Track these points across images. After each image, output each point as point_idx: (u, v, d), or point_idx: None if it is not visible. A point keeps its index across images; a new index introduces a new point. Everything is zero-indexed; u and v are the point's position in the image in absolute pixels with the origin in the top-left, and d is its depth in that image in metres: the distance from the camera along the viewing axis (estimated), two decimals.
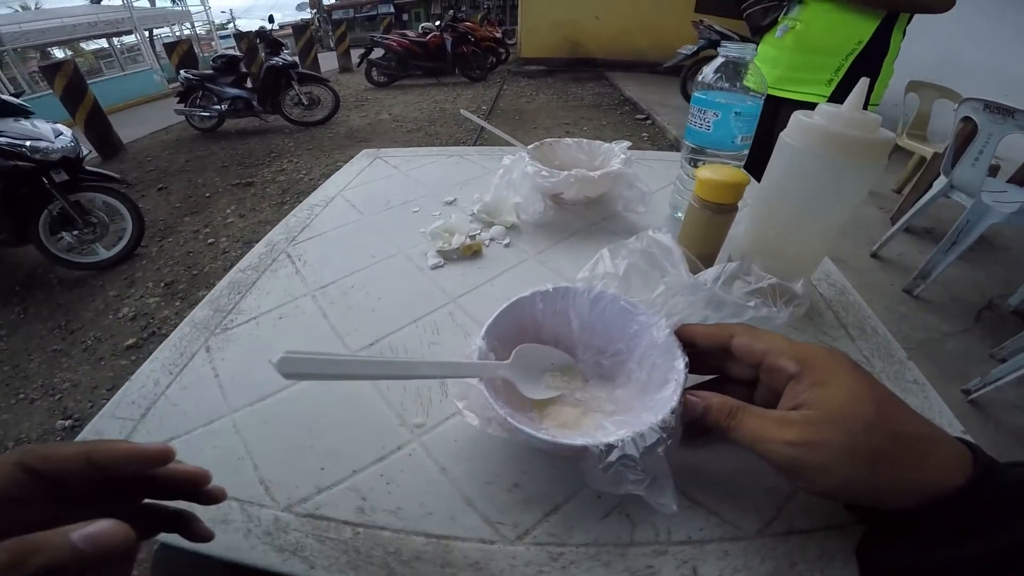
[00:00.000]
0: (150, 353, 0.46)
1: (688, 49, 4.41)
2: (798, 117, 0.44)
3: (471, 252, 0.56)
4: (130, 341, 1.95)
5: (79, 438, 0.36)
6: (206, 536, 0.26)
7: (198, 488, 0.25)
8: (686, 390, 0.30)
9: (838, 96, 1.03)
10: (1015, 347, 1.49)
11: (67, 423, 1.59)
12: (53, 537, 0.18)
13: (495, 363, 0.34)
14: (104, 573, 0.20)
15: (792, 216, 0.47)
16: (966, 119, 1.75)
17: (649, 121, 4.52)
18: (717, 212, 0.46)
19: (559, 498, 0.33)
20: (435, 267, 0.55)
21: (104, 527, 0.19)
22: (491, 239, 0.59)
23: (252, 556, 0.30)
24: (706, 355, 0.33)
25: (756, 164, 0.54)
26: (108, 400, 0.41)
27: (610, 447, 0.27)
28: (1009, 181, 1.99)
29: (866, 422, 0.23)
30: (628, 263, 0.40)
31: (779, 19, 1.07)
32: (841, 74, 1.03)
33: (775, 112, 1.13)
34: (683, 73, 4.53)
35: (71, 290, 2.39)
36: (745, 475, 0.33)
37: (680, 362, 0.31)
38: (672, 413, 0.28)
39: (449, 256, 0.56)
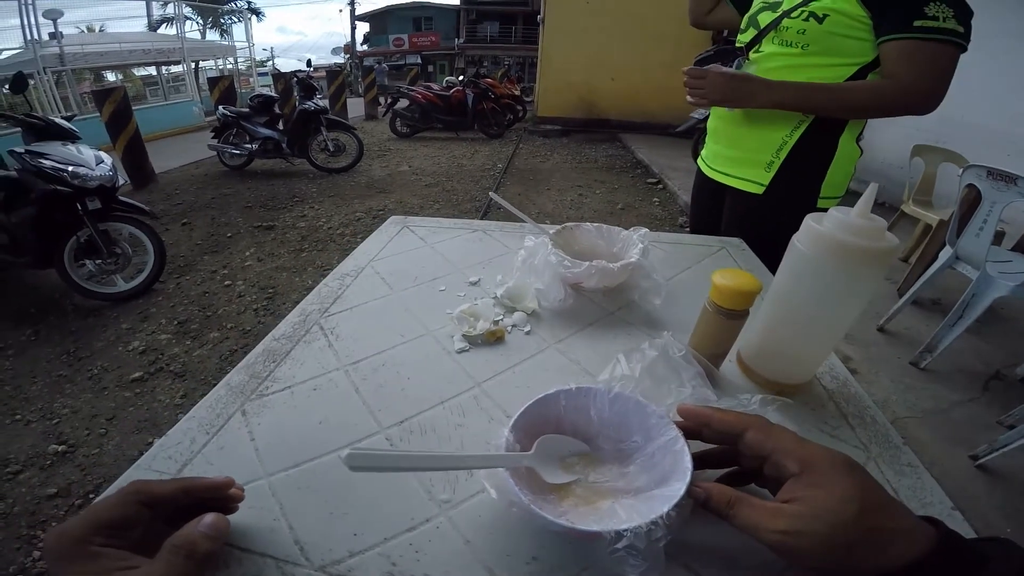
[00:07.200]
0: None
1: (700, 114, 4.59)
2: (808, 223, 0.46)
3: (495, 338, 0.59)
4: (136, 374, 1.93)
5: (113, 487, 0.38)
6: (236, 505, 0.37)
7: (225, 491, 0.36)
8: (692, 482, 0.34)
9: (776, 186, 1.00)
10: (1023, 414, 1.48)
11: (60, 448, 1.56)
12: (192, 532, 0.31)
13: (520, 455, 0.38)
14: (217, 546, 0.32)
15: (801, 319, 0.49)
16: (970, 186, 1.73)
17: (660, 185, 4.66)
18: (729, 317, 0.49)
19: (573, 570, 0.35)
20: (461, 351, 0.58)
21: (213, 517, 0.32)
22: (513, 325, 0.62)
23: None
24: (720, 434, 0.36)
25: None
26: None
27: (619, 534, 0.30)
28: (1013, 249, 1.97)
29: (845, 521, 0.28)
30: (642, 367, 0.44)
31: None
32: (774, 169, 0.99)
33: (720, 196, 1.14)
34: (696, 137, 4.69)
35: (84, 318, 2.43)
36: (745, 551, 0.35)
37: (688, 461, 0.35)
38: (676, 510, 0.32)
39: (474, 341, 0.60)
